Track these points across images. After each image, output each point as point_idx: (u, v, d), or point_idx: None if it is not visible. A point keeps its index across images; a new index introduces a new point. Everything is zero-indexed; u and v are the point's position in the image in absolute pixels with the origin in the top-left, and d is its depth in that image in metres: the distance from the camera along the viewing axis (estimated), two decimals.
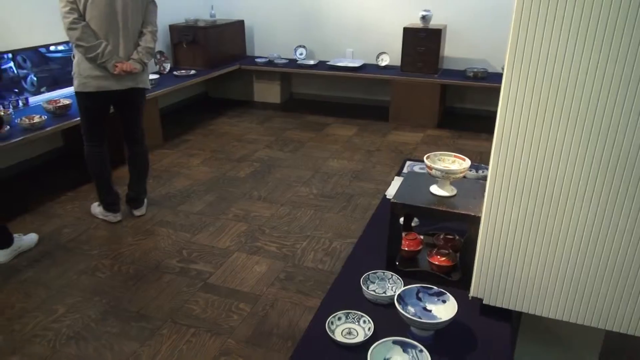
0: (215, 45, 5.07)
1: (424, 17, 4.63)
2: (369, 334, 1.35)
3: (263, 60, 5.28)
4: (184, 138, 4.53)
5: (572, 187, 1.26)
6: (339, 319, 1.41)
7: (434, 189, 1.60)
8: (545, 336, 1.68)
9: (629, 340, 2.00)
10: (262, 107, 5.50)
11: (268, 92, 5.59)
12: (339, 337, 1.36)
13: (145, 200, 3.19)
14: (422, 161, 2.44)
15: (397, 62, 4.92)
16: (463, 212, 1.49)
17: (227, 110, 5.36)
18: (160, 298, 2.37)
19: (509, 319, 1.46)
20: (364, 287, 1.51)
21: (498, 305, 1.45)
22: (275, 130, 4.76)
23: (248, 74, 5.48)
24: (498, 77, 4.65)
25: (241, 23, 5.49)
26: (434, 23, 4.74)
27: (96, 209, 3.10)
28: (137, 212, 3.14)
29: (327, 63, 5.15)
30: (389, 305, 1.46)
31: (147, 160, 3.11)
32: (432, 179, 1.63)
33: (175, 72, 4.80)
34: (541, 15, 1.15)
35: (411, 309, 1.38)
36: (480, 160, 3.82)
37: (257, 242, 2.83)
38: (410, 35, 4.66)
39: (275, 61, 5.23)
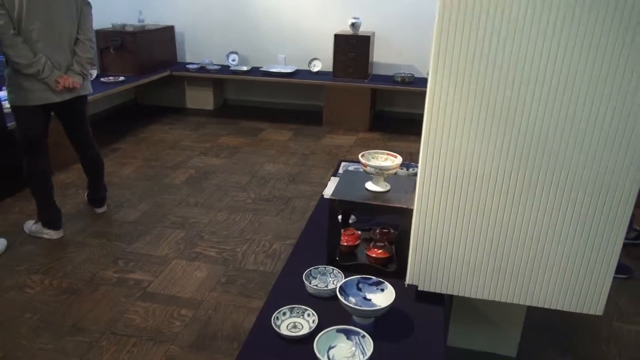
0: (144, 51, 4.95)
1: (353, 24, 4.79)
2: (314, 326, 1.40)
3: (195, 66, 5.22)
4: (114, 147, 4.38)
5: (492, 179, 1.40)
6: (284, 314, 1.46)
7: (369, 185, 1.69)
8: (474, 316, 1.83)
9: (549, 315, 2.20)
10: (196, 113, 5.43)
11: (201, 99, 5.53)
12: (284, 331, 1.40)
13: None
14: (356, 162, 2.56)
15: (329, 67, 5.05)
16: (397, 206, 1.59)
17: (160, 118, 5.24)
18: (97, 310, 2.30)
19: (442, 303, 1.57)
20: (306, 282, 1.57)
21: (432, 290, 1.56)
22: (209, 136, 4.72)
23: (180, 80, 5.39)
24: (424, 81, 4.90)
25: (171, 29, 5.40)
26: (363, 30, 4.92)
27: (32, 226, 2.92)
28: (99, 210, 3.20)
29: (261, 69, 5.19)
30: (331, 297, 1.53)
31: (101, 160, 3.12)
32: (367, 176, 1.73)
33: (102, 79, 4.64)
34: (460, 23, 1.27)
35: (352, 299, 1.45)
36: (410, 159, 4.01)
37: (196, 248, 2.81)
38: (341, 41, 4.80)
39: (208, 67, 5.19)
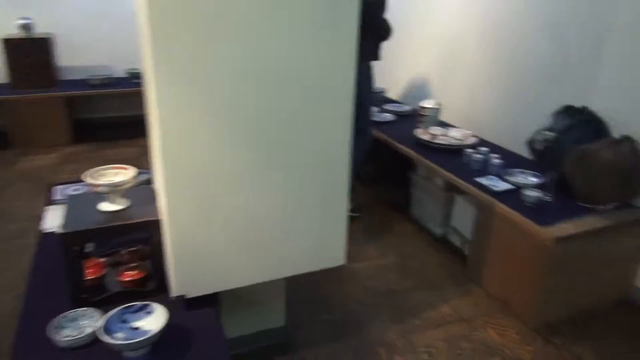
0: None
1: (24, 26, 4.11)
2: None
3: None
4: None
5: (234, 169, 1.43)
6: None
7: (105, 206, 1.51)
8: (241, 303, 1.88)
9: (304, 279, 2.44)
10: None
11: None
12: None
13: None
14: (74, 183, 2.24)
15: (4, 79, 4.24)
16: (143, 220, 1.47)
17: None
18: None
19: (215, 303, 1.55)
20: (55, 337, 1.32)
21: (200, 294, 1.52)
22: None
23: None
24: (126, 81, 4.62)
25: None
26: (39, 32, 4.27)
27: None
28: None
29: None
30: (93, 342, 1.33)
31: None
32: (98, 197, 1.54)
33: None
34: (173, 22, 1.22)
35: (120, 335, 1.30)
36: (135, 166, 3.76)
37: None
38: (13, 47, 4.07)
39: None
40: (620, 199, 2.22)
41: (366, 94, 3.00)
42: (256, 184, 1.47)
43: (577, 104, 2.48)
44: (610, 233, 2.16)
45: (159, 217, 1.48)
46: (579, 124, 2.33)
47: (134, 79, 4.61)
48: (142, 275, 1.57)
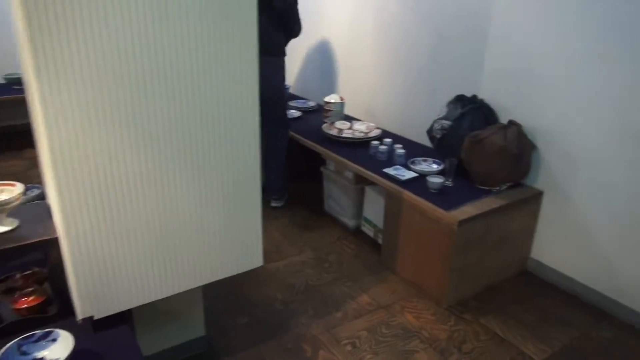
0: None
1: None
2: None
3: None
4: None
5: (136, 176, 1.34)
6: None
7: None
8: (157, 318, 1.78)
9: (222, 285, 2.37)
10: None
11: None
12: None
13: None
14: None
15: None
16: (36, 240, 1.34)
17: None
18: None
19: (126, 320, 1.46)
20: None
21: (109, 313, 1.42)
22: None
23: None
24: (4, 87, 4.18)
25: None
26: None
27: None
28: None
29: None
30: None
31: None
32: None
33: None
34: (54, 26, 1.12)
35: None
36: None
37: None
38: None
39: None
40: (512, 179, 2.42)
41: (283, 87, 3.02)
42: (161, 190, 1.39)
43: (469, 93, 2.66)
44: (506, 211, 2.35)
45: (56, 235, 1.35)
46: (471, 112, 2.49)
47: (14, 85, 4.19)
48: (40, 300, 1.43)
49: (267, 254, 2.72)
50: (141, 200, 1.37)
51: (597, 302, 2.35)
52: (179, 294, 1.56)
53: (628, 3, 1.99)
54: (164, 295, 1.51)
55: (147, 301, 1.48)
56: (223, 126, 1.44)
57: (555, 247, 2.48)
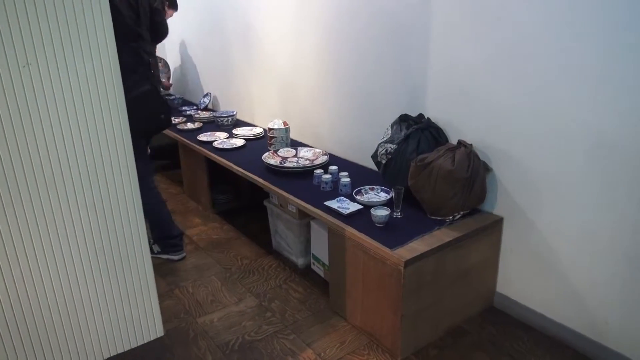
0: None
1: None
2: None
3: None
4: None
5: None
6: None
7: None
8: None
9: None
10: None
11: None
12: None
13: None
14: None
15: None
16: None
17: None
18: None
19: None
20: None
21: None
22: None
23: None
24: None
25: None
26: None
27: None
28: None
29: None
30: None
31: None
32: None
33: None
34: None
35: None
36: None
37: None
38: None
39: None
40: (466, 206, 2.14)
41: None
42: (36, 265, 1.08)
43: (414, 112, 2.39)
44: (463, 243, 2.06)
45: None
46: (416, 133, 2.22)
47: None
48: None
49: (200, 306, 2.39)
50: (18, 279, 1.05)
51: (572, 342, 2.05)
52: None
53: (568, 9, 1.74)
54: None
55: None
56: (98, 186, 1.14)
57: (522, 280, 2.20)
